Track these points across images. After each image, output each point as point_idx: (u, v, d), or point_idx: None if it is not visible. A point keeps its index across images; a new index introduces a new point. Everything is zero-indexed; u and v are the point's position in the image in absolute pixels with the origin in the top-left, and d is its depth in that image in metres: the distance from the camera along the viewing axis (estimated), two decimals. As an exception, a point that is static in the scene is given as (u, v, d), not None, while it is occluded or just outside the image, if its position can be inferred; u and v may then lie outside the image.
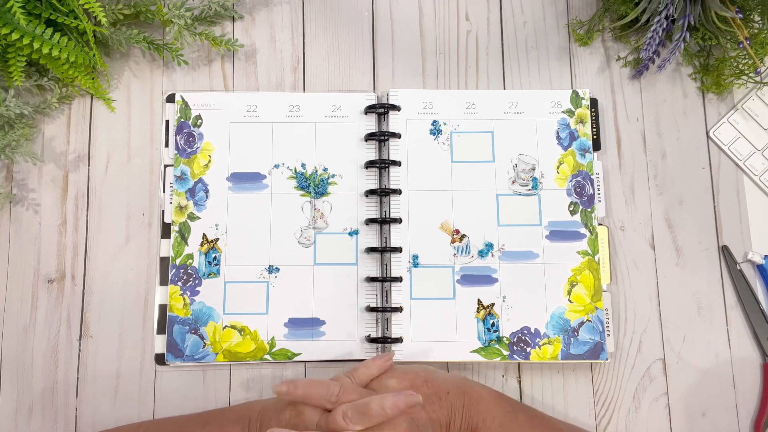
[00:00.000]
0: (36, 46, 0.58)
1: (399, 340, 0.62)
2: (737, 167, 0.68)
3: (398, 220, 0.64)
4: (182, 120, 0.66)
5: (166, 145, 0.66)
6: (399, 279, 0.63)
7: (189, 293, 0.63)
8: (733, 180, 0.68)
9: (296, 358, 0.62)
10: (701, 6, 0.63)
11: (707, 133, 0.68)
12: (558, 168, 0.66)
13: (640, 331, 0.64)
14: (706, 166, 0.68)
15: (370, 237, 0.65)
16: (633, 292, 0.65)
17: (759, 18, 0.65)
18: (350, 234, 0.65)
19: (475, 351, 0.62)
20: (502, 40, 0.70)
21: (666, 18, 0.62)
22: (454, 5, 0.71)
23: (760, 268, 0.65)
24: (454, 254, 0.64)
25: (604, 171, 0.67)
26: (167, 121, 0.67)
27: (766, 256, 0.65)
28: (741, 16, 0.63)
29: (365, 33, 0.70)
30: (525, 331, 0.63)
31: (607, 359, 0.62)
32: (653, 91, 0.69)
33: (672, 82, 0.69)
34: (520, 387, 0.63)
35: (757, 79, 0.67)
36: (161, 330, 0.63)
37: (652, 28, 0.63)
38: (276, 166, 0.66)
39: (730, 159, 0.68)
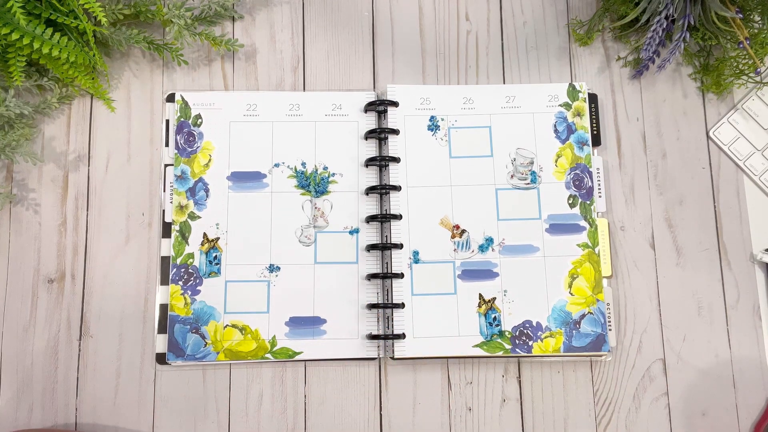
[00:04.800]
0: (36, 46, 0.58)
1: (401, 336, 0.62)
2: (737, 167, 0.68)
3: (398, 217, 0.64)
4: (182, 119, 0.66)
5: (167, 145, 0.66)
6: (400, 275, 0.63)
7: (190, 292, 0.63)
8: (733, 180, 0.68)
9: (297, 357, 0.62)
10: (701, 6, 0.63)
11: (707, 133, 0.69)
12: (556, 161, 0.66)
13: (640, 331, 0.64)
14: (706, 166, 0.68)
15: (370, 234, 0.65)
16: (633, 292, 0.65)
17: (759, 18, 0.65)
18: (351, 232, 0.65)
19: (477, 345, 0.62)
20: (502, 40, 0.70)
21: (666, 18, 0.62)
22: (454, 5, 0.71)
23: None
24: (455, 249, 0.64)
25: (604, 170, 0.67)
26: (167, 121, 0.67)
27: None
28: (741, 16, 0.63)
29: (365, 33, 0.70)
30: (527, 325, 0.63)
31: (609, 351, 0.62)
32: (653, 91, 0.69)
33: (672, 82, 0.70)
34: (520, 387, 0.63)
35: (757, 79, 0.67)
36: (162, 329, 0.63)
37: (652, 28, 0.63)
38: (276, 165, 0.66)
39: (730, 159, 0.68)
